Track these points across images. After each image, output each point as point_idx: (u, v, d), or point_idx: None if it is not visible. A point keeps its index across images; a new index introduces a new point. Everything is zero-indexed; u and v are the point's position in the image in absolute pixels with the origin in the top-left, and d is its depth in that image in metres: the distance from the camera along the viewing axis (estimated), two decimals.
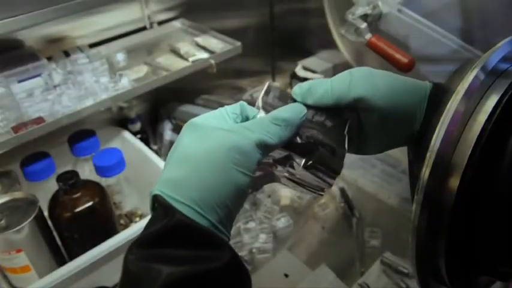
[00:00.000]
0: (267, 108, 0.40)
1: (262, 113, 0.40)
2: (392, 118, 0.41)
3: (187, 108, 1.02)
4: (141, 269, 0.32)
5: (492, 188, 0.32)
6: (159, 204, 0.35)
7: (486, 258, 0.34)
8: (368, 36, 0.83)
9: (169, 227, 0.33)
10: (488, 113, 0.31)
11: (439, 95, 0.40)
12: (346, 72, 0.43)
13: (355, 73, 0.42)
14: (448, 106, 0.31)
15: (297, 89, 0.42)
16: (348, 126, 0.42)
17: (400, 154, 0.97)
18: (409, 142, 0.43)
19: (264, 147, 0.36)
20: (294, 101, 0.42)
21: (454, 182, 0.31)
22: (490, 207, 0.32)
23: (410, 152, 0.44)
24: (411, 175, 0.44)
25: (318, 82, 0.42)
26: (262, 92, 0.41)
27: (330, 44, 1.07)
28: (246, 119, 0.40)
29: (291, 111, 0.38)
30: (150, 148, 0.90)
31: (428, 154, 0.31)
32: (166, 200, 0.34)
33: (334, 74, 0.44)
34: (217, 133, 0.36)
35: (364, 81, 0.41)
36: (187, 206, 0.34)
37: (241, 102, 0.40)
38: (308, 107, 0.41)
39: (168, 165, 0.37)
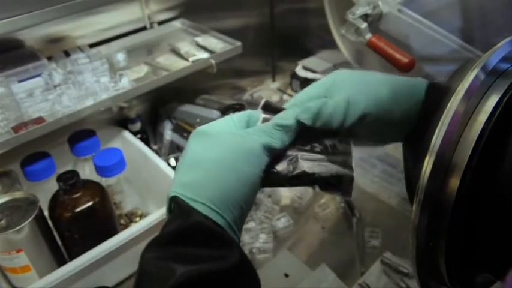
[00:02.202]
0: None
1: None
2: (389, 123, 0.42)
3: (187, 108, 1.02)
4: (156, 267, 0.33)
5: (492, 188, 0.32)
6: (176, 204, 0.36)
7: (487, 258, 0.34)
8: (368, 36, 0.83)
9: (186, 226, 0.34)
10: (489, 113, 0.31)
11: (437, 94, 0.40)
12: (328, 80, 0.43)
13: (345, 83, 0.42)
14: (448, 106, 0.31)
15: (305, 114, 0.41)
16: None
17: (400, 154, 0.97)
18: (405, 138, 0.44)
19: (270, 151, 0.38)
20: None
21: (454, 183, 0.31)
22: (490, 208, 0.32)
23: (404, 147, 0.45)
24: (406, 170, 0.45)
25: (321, 104, 0.41)
26: (261, 105, 0.42)
27: (330, 44, 1.07)
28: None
29: (292, 118, 0.40)
30: (151, 148, 0.90)
31: (428, 154, 0.31)
32: (184, 200, 0.35)
33: None
34: (226, 137, 0.38)
35: (363, 94, 0.41)
36: (205, 205, 0.35)
37: (249, 111, 0.42)
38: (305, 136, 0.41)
39: (179, 170, 0.38)
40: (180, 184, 0.37)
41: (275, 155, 0.39)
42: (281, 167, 0.40)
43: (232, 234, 0.36)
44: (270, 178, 0.39)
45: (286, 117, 0.40)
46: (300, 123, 0.40)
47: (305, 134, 0.41)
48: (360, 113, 0.40)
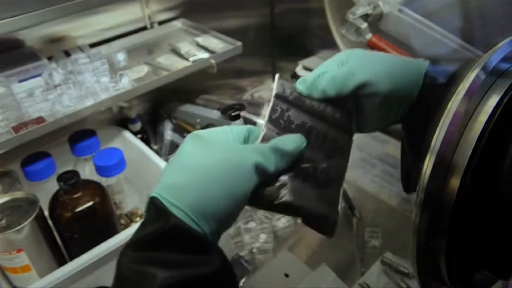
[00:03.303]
0: (274, 125, 0.40)
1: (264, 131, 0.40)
2: (392, 99, 0.42)
3: (187, 108, 1.02)
4: (135, 272, 0.32)
5: (493, 188, 0.32)
6: (155, 206, 0.35)
7: (487, 258, 0.34)
8: (369, 36, 0.83)
9: (164, 230, 0.33)
10: (489, 113, 0.31)
11: (437, 84, 0.41)
12: (341, 55, 0.44)
13: (352, 57, 0.43)
14: (448, 107, 0.31)
15: (301, 85, 0.43)
16: (352, 117, 0.43)
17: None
18: (405, 118, 0.44)
19: (262, 172, 0.37)
20: (300, 96, 0.42)
21: (455, 183, 0.31)
22: (491, 208, 0.32)
23: (404, 127, 0.45)
24: (403, 151, 0.46)
25: (320, 73, 0.43)
26: (270, 105, 0.41)
27: (331, 44, 1.07)
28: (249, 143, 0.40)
29: (291, 145, 0.38)
30: (151, 148, 0.90)
31: (428, 155, 0.31)
32: (163, 203, 0.34)
33: None
34: (220, 148, 0.37)
35: (363, 66, 0.42)
36: (183, 211, 0.34)
37: (250, 127, 0.41)
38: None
39: (168, 170, 0.37)
40: (163, 185, 0.36)
41: (267, 177, 0.37)
42: (270, 191, 0.38)
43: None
44: (256, 199, 0.38)
45: (286, 142, 0.39)
46: (299, 151, 0.39)
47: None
48: (359, 81, 0.41)
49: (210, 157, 0.36)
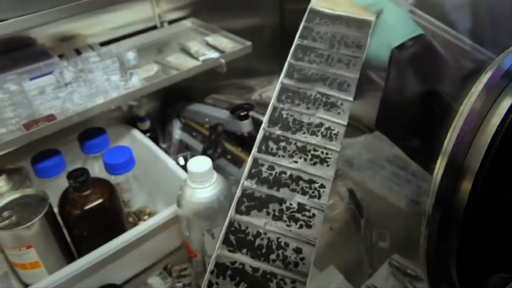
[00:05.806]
0: None
1: None
2: None
3: (196, 107, 1.03)
4: None
5: (505, 191, 0.31)
6: None
7: (499, 259, 0.34)
8: None
9: None
10: (502, 115, 0.31)
11: None
12: None
13: None
14: (461, 109, 0.31)
15: None
16: None
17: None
18: None
19: None
20: None
21: (467, 186, 0.31)
22: (503, 211, 0.32)
23: None
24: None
25: None
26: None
27: None
28: None
29: None
30: (159, 147, 0.90)
31: (440, 157, 0.31)
32: None
33: None
34: None
35: None
36: None
37: None
38: None
39: None
40: None
41: None
42: None
43: None
44: None
45: None
46: None
47: None
48: None
49: None
